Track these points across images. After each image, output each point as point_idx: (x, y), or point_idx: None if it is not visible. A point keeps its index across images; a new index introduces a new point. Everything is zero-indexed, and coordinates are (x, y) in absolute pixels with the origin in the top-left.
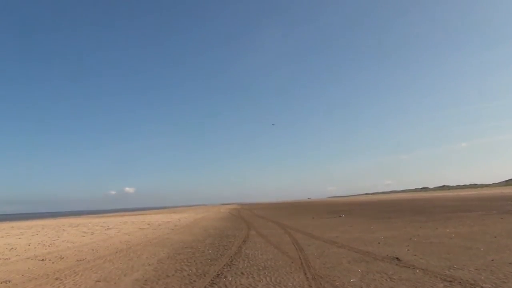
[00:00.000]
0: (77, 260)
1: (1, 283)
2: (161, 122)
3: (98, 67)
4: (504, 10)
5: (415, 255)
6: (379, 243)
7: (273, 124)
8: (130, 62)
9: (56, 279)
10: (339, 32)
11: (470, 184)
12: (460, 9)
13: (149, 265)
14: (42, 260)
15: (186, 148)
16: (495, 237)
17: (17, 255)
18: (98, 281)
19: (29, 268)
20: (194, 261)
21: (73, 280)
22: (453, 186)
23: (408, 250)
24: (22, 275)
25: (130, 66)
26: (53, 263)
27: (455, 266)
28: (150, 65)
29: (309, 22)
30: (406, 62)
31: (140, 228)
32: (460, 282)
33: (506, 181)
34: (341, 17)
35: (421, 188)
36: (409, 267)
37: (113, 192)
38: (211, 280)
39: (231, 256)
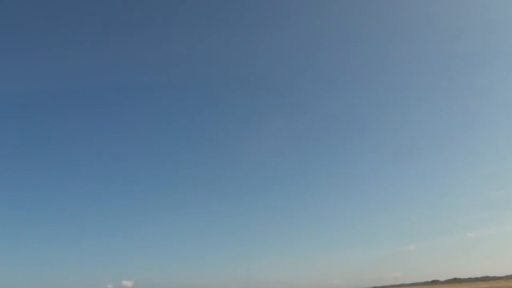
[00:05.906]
0: None
1: None
2: (160, 211)
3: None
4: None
5: None
6: None
7: None
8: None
9: None
10: (337, 122)
11: (482, 277)
12: (469, 93)
13: None
14: None
15: (187, 238)
16: None
17: None
18: None
19: None
20: None
21: None
22: (464, 278)
23: None
24: None
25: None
26: None
27: None
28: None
29: (309, 112)
30: (407, 149)
31: None
32: None
33: None
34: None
35: (431, 281)
36: None
37: (109, 287)
38: None
39: None
